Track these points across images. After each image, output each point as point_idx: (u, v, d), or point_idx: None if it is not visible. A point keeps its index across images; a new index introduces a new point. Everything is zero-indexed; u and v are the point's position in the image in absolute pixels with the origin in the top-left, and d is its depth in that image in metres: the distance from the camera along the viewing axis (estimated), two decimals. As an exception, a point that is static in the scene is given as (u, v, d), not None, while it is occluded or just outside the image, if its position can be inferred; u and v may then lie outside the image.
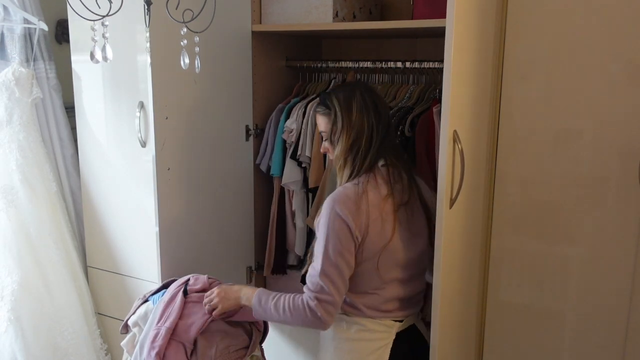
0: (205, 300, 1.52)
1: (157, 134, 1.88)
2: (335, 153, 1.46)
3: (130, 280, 2.35)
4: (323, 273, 1.33)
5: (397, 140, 1.52)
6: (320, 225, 1.37)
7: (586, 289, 1.72)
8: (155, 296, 1.73)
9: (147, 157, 2.17)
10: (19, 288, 2.18)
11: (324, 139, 1.51)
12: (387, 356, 1.44)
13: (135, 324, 1.72)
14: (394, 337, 1.46)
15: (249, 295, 1.45)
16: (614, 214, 1.64)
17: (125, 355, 1.75)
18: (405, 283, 1.46)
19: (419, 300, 1.54)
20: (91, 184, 2.38)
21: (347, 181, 1.43)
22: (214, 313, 1.49)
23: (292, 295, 1.39)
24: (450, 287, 1.53)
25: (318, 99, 1.55)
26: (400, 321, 1.48)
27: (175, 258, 2.17)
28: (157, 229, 1.91)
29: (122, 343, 1.75)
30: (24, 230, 2.24)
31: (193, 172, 2.07)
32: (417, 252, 1.47)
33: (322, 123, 1.50)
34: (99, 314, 2.48)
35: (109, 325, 2.48)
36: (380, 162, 1.43)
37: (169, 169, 1.91)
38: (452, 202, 1.41)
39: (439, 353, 1.45)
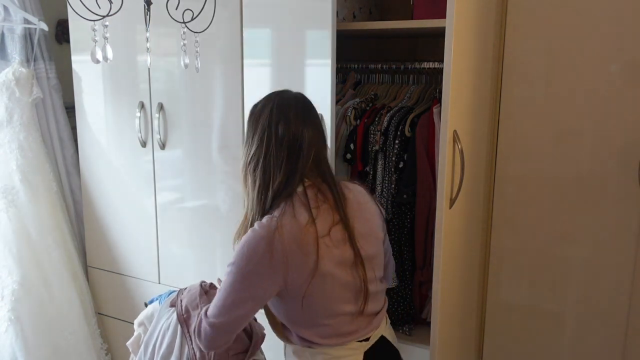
0: None
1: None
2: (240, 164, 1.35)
3: (130, 280, 2.35)
4: (218, 307, 1.29)
5: (322, 156, 1.32)
6: (233, 258, 1.26)
7: (586, 289, 1.72)
8: (162, 296, 1.73)
9: (147, 157, 2.17)
10: (19, 288, 2.18)
11: None
12: None
13: (141, 323, 1.72)
14: (361, 358, 1.33)
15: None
16: (614, 214, 1.64)
17: (131, 356, 1.75)
18: (357, 313, 1.31)
19: (383, 313, 1.41)
20: (91, 184, 2.38)
21: (251, 203, 1.31)
22: None
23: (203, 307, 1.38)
24: (450, 287, 1.53)
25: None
26: (367, 339, 1.34)
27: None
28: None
29: (128, 343, 1.75)
30: (24, 230, 2.24)
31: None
32: (356, 274, 1.30)
33: None
34: (99, 314, 2.48)
35: (109, 325, 2.48)
36: (300, 187, 1.27)
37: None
38: (452, 202, 1.41)
39: (439, 353, 1.45)
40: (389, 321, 1.44)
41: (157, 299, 1.75)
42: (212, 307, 1.31)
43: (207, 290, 1.60)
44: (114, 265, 2.38)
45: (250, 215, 1.31)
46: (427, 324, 1.83)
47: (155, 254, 2.25)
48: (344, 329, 1.31)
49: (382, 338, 1.39)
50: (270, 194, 1.27)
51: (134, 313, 2.28)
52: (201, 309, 1.39)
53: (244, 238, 1.25)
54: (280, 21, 1.82)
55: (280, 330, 1.42)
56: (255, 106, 1.34)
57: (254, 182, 1.29)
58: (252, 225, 1.28)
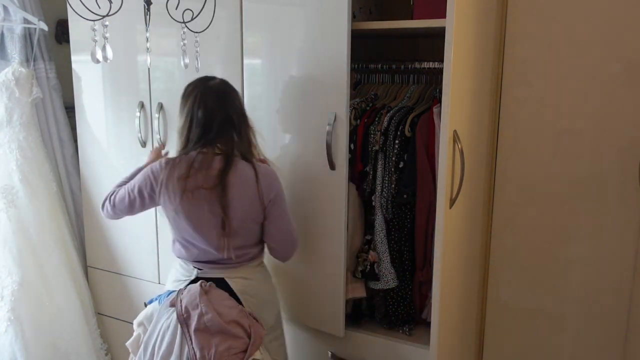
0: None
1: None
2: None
3: (130, 280, 2.36)
4: (123, 187, 1.76)
5: (236, 136, 1.65)
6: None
7: (586, 289, 1.72)
8: (162, 296, 1.73)
9: (146, 156, 2.17)
10: (19, 288, 2.18)
11: None
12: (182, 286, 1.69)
13: (141, 323, 1.72)
14: (192, 277, 1.68)
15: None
16: (614, 214, 1.64)
17: (130, 355, 1.75)
18: (194, 247, 1.68)
19: (226, 265, 1.69)
20: (91, 184, 2.38)
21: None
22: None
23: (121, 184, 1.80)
24: (450, 287, 1.53)
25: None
26: (200, 269, 1.69)
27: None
28: None
29: (127, 343, 1.74)
30: (24, 230, 2.24)
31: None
32: (202, 231, 1.63)
33: None
34: (99, 314, 2.48)
35: (109, 325, 2.48)
36: (196, 150, 1.62)
37: None
38: (452, 202, 1.41)
39: (439, 353, 1.45)
40: (241, 274, 1.72)
41: (156, 299, 1.75)
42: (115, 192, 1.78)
43: (207, 291, 1.60)
44: (114, 265, 2.38)
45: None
46: (427, 324, 1.83)
47: (155, 254, 2.25)
48: (182, 254, 1.75)
49: (223, 280, 1.68)
50: (182, 150, 1.67)
51: (134, 313, 2.28)
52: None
53: (149, 166, 1.72)
54: (291, 19, 1.82)
55: None
56: (188, 86, 1.67)
57: (179, 142, 1.69)
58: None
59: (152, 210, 2.20)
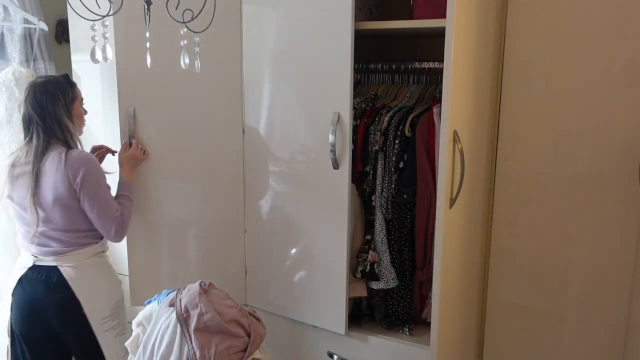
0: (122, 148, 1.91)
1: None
2: None
3: (130, 280, 2.35)
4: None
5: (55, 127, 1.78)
6: None
7: (586, 289, 1.72)
8: (161, 295, 1.73)
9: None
10: (19, 288, 2.17)
11: None
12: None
13: (140, 323, 1.72)
14: (30, 264, 1.81)
15: (129, 179, 1.90)
16: (614, 214, 1.64)
17: (129, 355, 1.74)
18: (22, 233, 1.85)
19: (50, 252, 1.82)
20: (91, 184, 2.37)
21: None
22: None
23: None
24: (450, 287, 1.53)
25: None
26: (36, 257, 1.81)
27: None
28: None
29: (126, 343, 1.74)
30: (24, 230, 2.23)
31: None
32: (23, 215, 1.79)
33: None
34: (99, 314, 2.47)
35: (109, 325, 2.48)
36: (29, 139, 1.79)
37: None
38: (452, 202, 1.42)
39: (439, 353, 1.45)
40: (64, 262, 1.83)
41: (155, 299, 1.75)
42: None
43: (206, 290, 1.60)
44: (114, 265, 2.38)
45: None
46: (427, 324, 1.83)
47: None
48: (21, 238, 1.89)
49: (55, 268, 1.81)
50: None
51: (134, 313, 2.28)
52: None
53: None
54: (292, 18, 1.82)
55: None
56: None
57: None
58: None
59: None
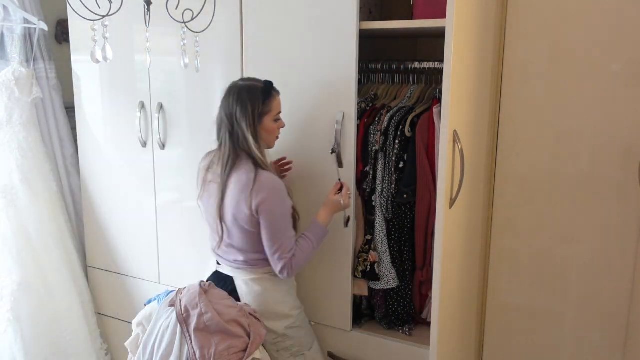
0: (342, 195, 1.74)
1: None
2: None
3: (130, 280, 2.36)
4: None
5: (245, 137, 1.64)
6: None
7: (586, 289, 1.72)
8: (161, 296, 1.73)
9: (147, 157, 2.17)
10: (18, 288, 2.18)
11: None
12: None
13: (140, 323, 1.72)
14: (214, 270, 1.80)
15: (323, 222, 1.74)
16: (614, 214, 1.64)
17: (129, 355, 1.75)
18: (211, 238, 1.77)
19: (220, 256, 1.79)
20: (91, 184, 2.38)
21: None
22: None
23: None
24: (450, 287, 1.53)
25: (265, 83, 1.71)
26: (219, 264, 1.78)
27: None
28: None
29: (126, 343, 1.74)
30: (24, 230, 2.24)
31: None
32: (210, 222, 1.74)
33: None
34: (99, 314, 2.48)
35: (109, 325, 2.48)
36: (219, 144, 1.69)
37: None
38: (452, 202, 1.41)
39: (439, 353, 1.45)
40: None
41: (155, 299, 1.75)
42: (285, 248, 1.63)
43: (206, 290, 1.60)
44: (114, 265, 2.38)
45: None
46: (427, 324, 1.83)
47: (155, 254, 2.25)
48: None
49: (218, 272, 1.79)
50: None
51: (134, 313, 2.28)
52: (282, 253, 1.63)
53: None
54: (296, 19, 1.82)
55: None
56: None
57: None
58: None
59: (152, 210, 2.20)
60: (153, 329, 1.61)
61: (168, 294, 1.69)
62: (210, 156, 1.74)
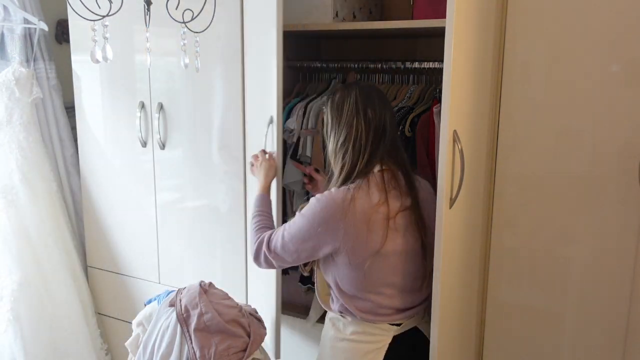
0: (252, 160, 1.69)
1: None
2: (328, 150, 1.50)
3: (130, 280, 2.36)
4: (284, 245, 1.43)
5: (399, 143, 1.50)
6: (306, 209, 1.41)
7: (586, 289, 1.72)
8: (161, 296, 1.73)
9: (147, 157, 2.17)
10: (18, 288, 2.18)
11: None
12: (382, 358, 1.45)
13: (140, 323, 1.72)
14: (390, 340, 1.45)
15: (259, 190, 1.64)
16: (614, 214, 1.64)
17: (129, 355, 1.75)
18: (404, 292, 1.44)
19: (423, 307, 1.52)
20: (91, 184, 2.38)
21: (335, 179, 1.45)
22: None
23: (262, 226, 1.53)
24: (450, 287, 1.53)
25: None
26: (398, 325, 1.47)
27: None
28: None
29: (126, 343, 1.75)
30: (24, 230, 2.24)
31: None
32: (419, 262, 1.44)
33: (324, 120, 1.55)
34: (99, 314, 2.48)
35: (109, 325, 2.49)
36: (377, 168, 1.42)
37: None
38: (452, 202, 1.41)
39: (439, 353, 1.45)
40: (429, 317, 1.46)
41: (155, 299, 1.75)
42: (275, 242, 1.45)
43: (206, 290, 1.60)
44: (114, 265, 2.38)
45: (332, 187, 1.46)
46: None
47: (155, 254, 2.26)
48: (381, 309, 1.43)
49: (416, 329, 1.49)
50: (355, 173, 1.41)
51: (134, 313, 2.28)
52: (262, 236, 1.51)
53: (321, 198, 1.37)
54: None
55: (324, 296, 1.52)
56: (332, 96, 1.48)
57: (343, 163, 1.43)
58: None
59: (152, 210, 2.20)
60: (153, 329, 1.61)
61: (168, 294, 1.69)
62: (369, 189, 1.41)
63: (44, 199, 2.31)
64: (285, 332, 2.10)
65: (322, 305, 1.55)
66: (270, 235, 1.48)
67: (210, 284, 1.65)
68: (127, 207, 2.29)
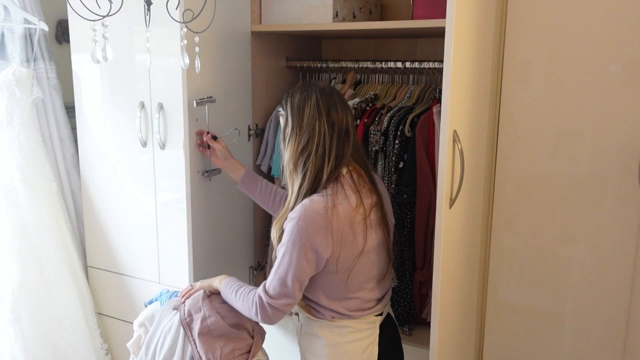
0: (185, 291, 1.61)
1: (191, 136, 1.88)
2: (284, 157, 1.42)
3: (130, 280, 2.35)
4: (284, 283, 1.35)
5: (358, 142, 1.47)
6: (287, 235, 1.34)
7: (586, 289, 1.72)
8: (163, 297, 1.73)
9: (147, 157, 2.17)
10: (19, 288, 2.18)
11: None
12: (377, 350, 1.48)
13: (142, 324, 1.72)
14: (378, 330, 1.49)
15: (222, 280, 1.55)
16: (614, 214, 1.64)
17: (131, 356, 1.75)
18: (379, 283, 1.48)
19: (390, 293, 1.57)
20: (91, 184, 2.38)
21: (298, 190, 1.38)
22: (190, 292, 1.59)
23: (250, 289, 1.45)
24: (450, 288, 1.53)
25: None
26: (381, 314, 1.51)
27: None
28: (189, 234, 1.92)
29: (128, 344, 1.75)
30: (24, 230, 2.24)
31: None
32: (385, 252, 1.47)
33: (281, 124, 1.47)
34: (99, 314, 2.48)
35: (109, 325, 2.48)
36: (344, 170, 1.40)
37: (198, 172, 1.90)
38: (452, 202, 1.41)
39: (439, 353, 1.45)
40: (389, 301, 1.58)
41: (156, 299, 1.75)
42: (273, 286, 1.36)
43: (209, 294, 1.60)
44: (114, 265, 2.38)
45: (293, 202, 1.39)
46: (427, 324, 1.83)
47: (155, 254, 2.25)
48: (366, 304, 1.45)
49: (388, 315, 1.54)
50: (323, 178, 1.36)
51: (134, 313, 2.28)
52: (255, 293, 1.41)
53: (300, 216, 1.31)
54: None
55: (305, 305, 1.49)
56: (291, 98, 1.41)
57: (305, 171, 1.37)
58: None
59: (152, 209, 2.21)
60: (155, 330, 1.61)
61: (168, 293, 1.69)
62: (346, 194, 1.41)
63: (44, 199, 2.31)
64: (278, 332, 2.10)
65: (307, 317, 1.50)
66: (263, 286, 1.39)
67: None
68: (127, 207, 2.28)
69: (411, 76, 2.01)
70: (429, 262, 1.82)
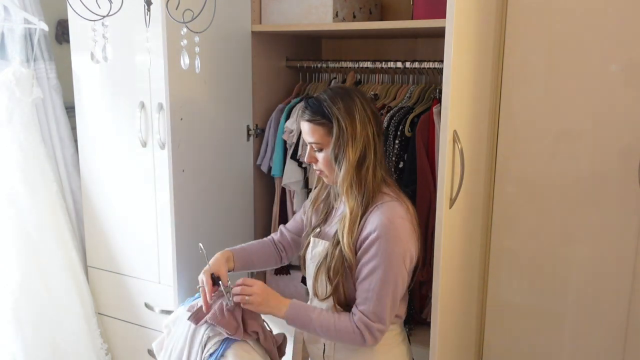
0: (242, 289, 1.40)
1: (174, 135, 1.87)
2: (340, 172, 1.33)
3: (130, 280, 2.35)
4: (383, 305, 1.34)
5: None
6: (381, 253, 1.29)
7: (586, 289, 1.72)
8: (191, 299, 1.72)
9: (147, 157, 2.17)
10: (19, 288, 2.18)
11: (314, 150, 1.39)
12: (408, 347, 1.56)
13: (167, 326, 1.73)
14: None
15: (282, 307, 1.40)
16: (614, 214, 1.64)
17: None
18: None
19: None
20: (91, 184, 2.38)
21: (361, 203, 1.32)
22: (242, 304, 1.40)
23: (338, 314, 1.37)
24: (450, 287, 1.53)
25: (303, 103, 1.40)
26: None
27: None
28: (173, 230, 1.91)
29: (154, 344, 1.75)
30: (24, 230, 2.23)
31: (196, 172, 2.07)
32: None
33: (317, 134, 1.35)
34: (99, 314, 2.48)
35: (109, 325, 2.48)
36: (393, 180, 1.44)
37: (183, 171, 1.90)
38: (452, 202, 1.41)
39: (439, 353, 1.45)
40: None
41: (193, 300, 1.71)
42: (380, 310, 1.33)
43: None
44: (114, 265, 2.38)
45: (358, 210, 1.35)
46: (427, 324, 1.83)
47: (155, 254, 2.25)
48: (401, 310, 1.49)
49: None
50: (381, 184, 1.38)
51: (134, 313, 2.28)
52: (352, 321, 1.36)
53: (388, 225, 1.30)
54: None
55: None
56: (335, 104, 1.31)
57: (366, 181, 1.34)
58: (362, 219, 1.34)
59: (152, 209, 2.20)
60: (173, 334, 1.62)
61: (194, 299, 1.68)
62: (408, 204, 1.43)
63: (44, 199, 2.31)
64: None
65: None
66: (364, 313, 1.33)
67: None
68: (127, 207, 2.28)
69: (411, 76, 2.01)
70: (429, 262, 1.82)
